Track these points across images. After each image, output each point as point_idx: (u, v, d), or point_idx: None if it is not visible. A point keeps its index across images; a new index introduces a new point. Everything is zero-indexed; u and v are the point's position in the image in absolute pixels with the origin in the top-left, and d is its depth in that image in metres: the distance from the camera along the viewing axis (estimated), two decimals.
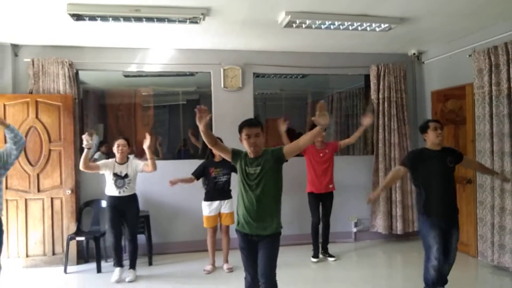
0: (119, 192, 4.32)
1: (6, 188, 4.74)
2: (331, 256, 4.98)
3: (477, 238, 4.76)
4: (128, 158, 4.46)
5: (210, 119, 2.81)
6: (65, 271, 4.61)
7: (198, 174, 4.57)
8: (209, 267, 4.62)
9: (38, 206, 4.84)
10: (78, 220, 4.96)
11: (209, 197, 4.60)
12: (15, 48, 4.98)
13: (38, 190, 4.84)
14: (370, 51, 5.68)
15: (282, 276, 2.97)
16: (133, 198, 4.44)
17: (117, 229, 4.38)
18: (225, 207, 4.59)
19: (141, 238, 4.98)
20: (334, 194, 4.98)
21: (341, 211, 5.60)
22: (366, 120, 5.01)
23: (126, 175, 4.35)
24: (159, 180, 5.26)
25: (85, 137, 4.16)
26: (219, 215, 4.62)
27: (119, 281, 4.28)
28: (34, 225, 4.83)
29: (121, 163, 4.37)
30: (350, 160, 6.17)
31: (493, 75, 4.39)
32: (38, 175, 4.84)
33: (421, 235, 3.61)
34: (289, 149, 2.84)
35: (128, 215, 4.40)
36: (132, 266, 4.46)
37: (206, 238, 4.68)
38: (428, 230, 3.48)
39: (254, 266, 2.92)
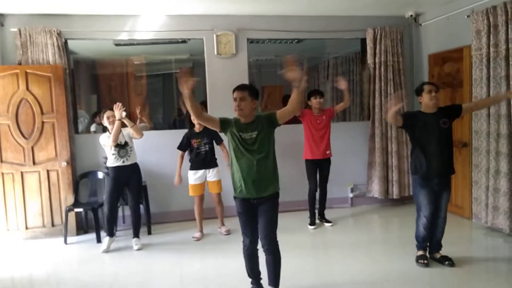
0: (123, 161, 4.35)
1: (1, 161, 4.73)
2: (328, 221, 5.05)
3: (472, 200, 4.81)
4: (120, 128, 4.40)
5: (194, 85, 2.78)
6: (65, 242, 4.66)
7: (184, 147, 4.62)
8: (197, 234, 4.69)
9: (34, 178, 4.84)
10: (76, 191, 4.97)
11: (193, 167, 4.64)
12: (1, 17, 4.81)
13: (34, 163, 4.82)
14: (366, 13, 5.53)
15: (279, 242, 3.01)
16: (136, 167, 4.49)
17: (114, 200, 4.42)
18: (210, 175, 4.62)
19: (139, 208, 5.02)
20: (331, 159, 5.00)
21: (338, 176, 5.62)
22: (342, 84, 4.86)
23: (126, 143, 4.37)
24: (155, 150, 5.26)
25: (116, 109, 4.21)
26: (206, 184, 4.67)
27: (108, 250, 4.34)
28: (32, 197, 4.84)
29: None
30: (346, 126, 6.15)
31: (491, 36, 4.29)
32: (32, 147, 4.80)
33: (413, 194, 3.74)
34: (281, 114, 2.90)
35: (132, 185, 4.45)
36: (136, 234, 4.52)
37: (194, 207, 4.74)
38: (419, 189, 3.60)
39: (254, 229, 2.99)
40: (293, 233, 4.70)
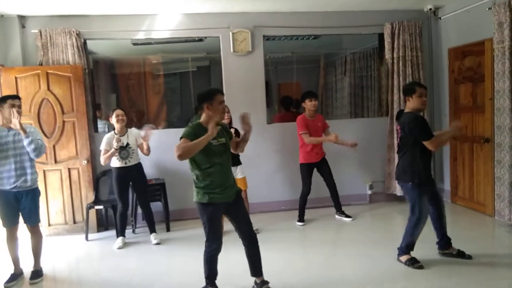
0: (125, 163, 4.41)
1: None
2: (347, 216, 5.00)
3: (494, 197, 4.70)
4: (127, 128, 4.51)
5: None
6: (86, 238, 4.76)
7: None
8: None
9: (56, 176, 4.94)
10: (96, 189, 5.06)
11: None
12: (22, 19, 4.93)
13: (55, 161, 4.92)
14: (384, 8, 5.46)
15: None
16: (139, 167, 4.55)
17: (125, 199, 4.51)
18: (237, 172, 4.60)
19: (158, 205, 5.09)
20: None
21: (356, 173, 5.59)
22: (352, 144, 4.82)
23: (128, 144, 4.40)
24: (173, 148, 5.29)
25: (116, 140, 4.26)
26: None
27: (122, 247, 4.42)
28: (54, 195, 4.94)
29: (121, 135, 4.39)
30: (364, 122, 6.09)
31: None
32: (54, 146, 4.91)
33: (413, 203, 3.50)
34: (232, 143, 3.14)
35: (137, 185, 4.55)
36: (153, 230, 4.62)
37: None
38: (420, 196, 3.46)
39: (221, 231, 3.16)
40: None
